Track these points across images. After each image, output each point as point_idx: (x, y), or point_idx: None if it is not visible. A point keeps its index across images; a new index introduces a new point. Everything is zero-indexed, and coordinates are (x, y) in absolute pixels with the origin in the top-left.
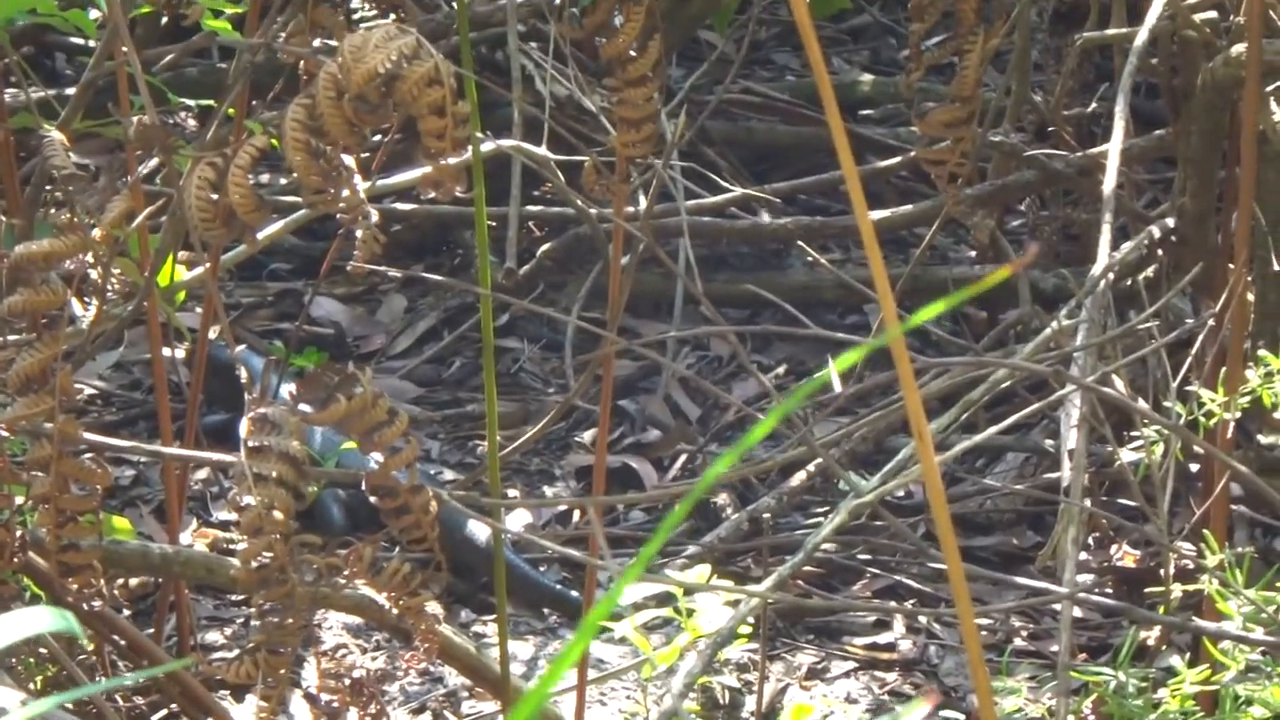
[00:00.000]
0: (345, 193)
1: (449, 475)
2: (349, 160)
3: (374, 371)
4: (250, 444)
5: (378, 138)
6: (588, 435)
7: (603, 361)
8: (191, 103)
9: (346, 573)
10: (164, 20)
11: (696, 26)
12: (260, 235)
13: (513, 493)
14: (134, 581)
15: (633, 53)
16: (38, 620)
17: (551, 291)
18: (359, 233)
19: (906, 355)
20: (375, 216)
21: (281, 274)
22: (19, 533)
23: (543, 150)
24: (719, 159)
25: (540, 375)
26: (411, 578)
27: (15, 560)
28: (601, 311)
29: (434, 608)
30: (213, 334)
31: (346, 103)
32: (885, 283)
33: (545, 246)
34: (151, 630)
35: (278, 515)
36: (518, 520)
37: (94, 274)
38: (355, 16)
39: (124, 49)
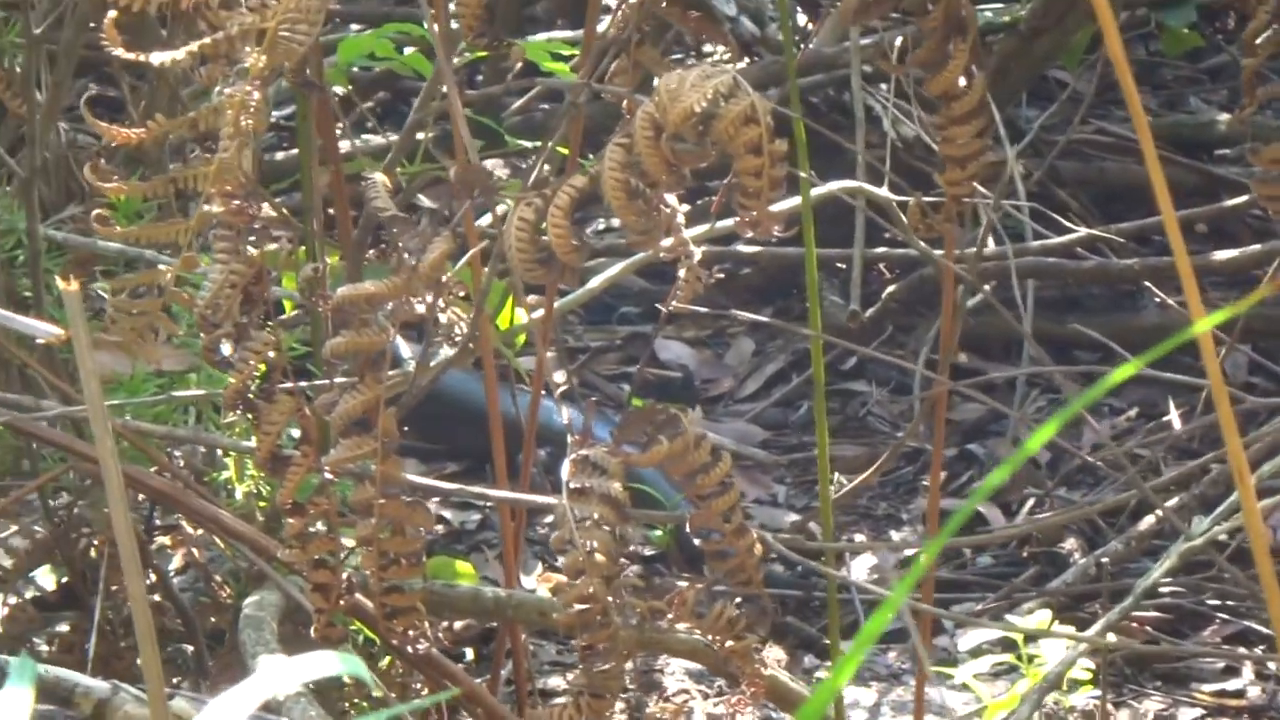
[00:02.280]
0: (669, 233)
1: (793, 519)
2: (673, 200)
3: (721, 415)
4: (572, 486)
5: (718, 180)
6: None
7: (936, 404)
8: (530, 145)
9: (670, 616)
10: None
11: (1045, 66)
12: (601, 278)
13: (859, 537)
14: (458, 624)
15: (960, 87)
16: (326, 664)
17: (900, 334)
18: (681, 273)
19: (1226, 397)
20: (698, 257)
21: (631, 317)
22: (345, 575)
23: (884, 191)
24: (1070, 199)
25: (889, 418)
26: (736, 620)
27: (342, 602)
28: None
29: (776, 653)
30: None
31: (664, 142)
32: (1202, 314)
33: (890, 288)
34: (489, 676)
35: (599, 558)
36: (863, 565)
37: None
38: (708, 59)
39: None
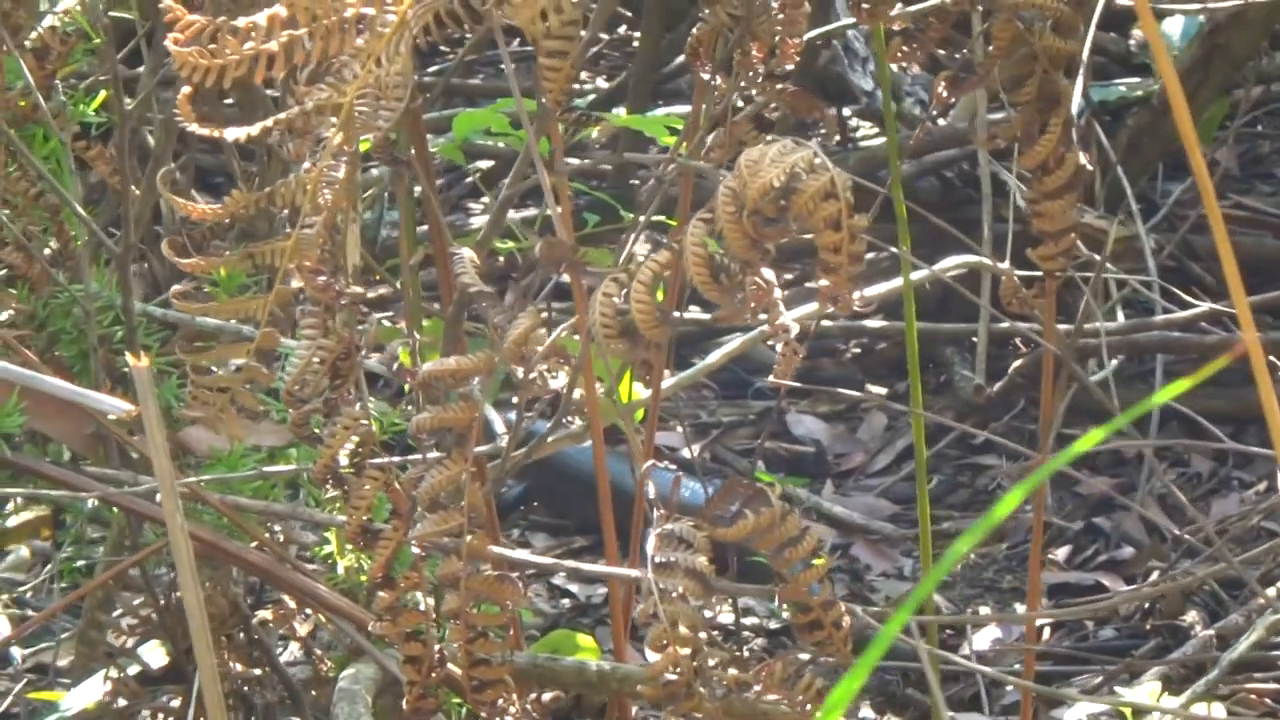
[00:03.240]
0: (766, 309)
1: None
2: (770, 275)
3: (852, 489)
4: (656, 559)
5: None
6: (1060, 552)
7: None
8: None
9: (757, 688)
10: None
11: (1179, 141)
12: (719, 353)
13: (984, 609)
14: (546, 696)
15: (1053, 162)
16: None
17: (1031, 407)
18: (779, 349)
19: None
20: (795, 332)
21: (765, 392)
22: (437, 648)
23: (1005, 265)
24: (1204, 274)
25: None
26: (825, 691)
27: (434, 675)
28: (1082, 428)
29: None
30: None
31: (745, 218)
32: (1271, 391)
33: (1016, 363)
34: None
35: (683, 631)
36: (986, 637)
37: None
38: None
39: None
